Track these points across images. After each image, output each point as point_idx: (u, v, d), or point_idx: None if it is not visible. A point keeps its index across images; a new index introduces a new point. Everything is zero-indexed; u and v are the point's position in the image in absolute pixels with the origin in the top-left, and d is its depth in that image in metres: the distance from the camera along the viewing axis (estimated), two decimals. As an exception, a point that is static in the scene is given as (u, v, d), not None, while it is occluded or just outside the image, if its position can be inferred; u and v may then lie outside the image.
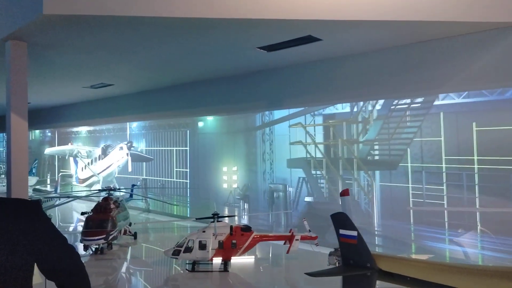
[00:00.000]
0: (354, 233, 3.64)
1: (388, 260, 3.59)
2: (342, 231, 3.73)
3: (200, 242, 6.22)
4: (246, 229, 6.48)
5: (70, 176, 15.21)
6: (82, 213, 7.60)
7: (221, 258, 6.24)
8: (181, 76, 9.18)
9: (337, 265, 4.04)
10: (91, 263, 6.80)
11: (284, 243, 6.59)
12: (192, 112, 10.79)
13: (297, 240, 6.37)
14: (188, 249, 6.16)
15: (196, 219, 6.75)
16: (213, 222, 6.37)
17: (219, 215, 6.47)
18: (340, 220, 3.77)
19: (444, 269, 3.31)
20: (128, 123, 12.89)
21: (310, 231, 6.45)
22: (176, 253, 6.19)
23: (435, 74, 6.16)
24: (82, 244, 6.98)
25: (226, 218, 6.69)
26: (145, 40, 6.13)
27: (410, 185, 7.39)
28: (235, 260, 6.36)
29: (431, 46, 6.15)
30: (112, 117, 12.97)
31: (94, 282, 5.75)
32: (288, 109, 9.01)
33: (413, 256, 5.50)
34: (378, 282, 3.59)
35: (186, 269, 6.18)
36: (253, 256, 6.70)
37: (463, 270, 3.24)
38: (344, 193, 4.28)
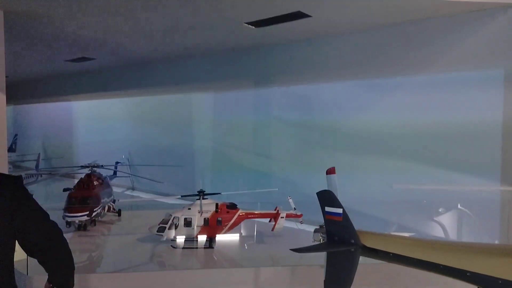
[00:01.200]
0: (340, 210, 3.67)
1: (372, 236, 3.65)
2: (327, 209, 3.76)
3: (185, 219, 6.23)
4: (232, 206, 6.51)
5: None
6: (64, 190, 7.48)
7: (206, 235, 6.29)
8: (165, 50, 8.96)
9: (322, 241, 4.09)
10: (74, 240, 6.73)
11: (270, 221, 6.66)
12: (177, 89, 10.63)
13: (282, 217, 6.44)
14: (173, 226, 6.17)
15: (182, 196, 6.73)
16: (199, 199, 6.37)
17: (204, 193, 6.47)
18: (326, 197, 3.79)
19: (427, 245, 3.37)
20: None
21: (295, 209, 6.51)
22: (160, 230, 6.18)
23: (422, 54, 6.18)
24: (65, 221, 6.90)
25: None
26: (129, 11, 5.92)
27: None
28: (220, 237, 6.40)
29: (419, 26, 6.14)
30: (95, 93, 12.67)
31: (77, 259, 5.61)
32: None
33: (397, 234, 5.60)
34: (361, 258, 3.66)
35: (171, 246, 6.19)
36: (238, 234, 6.75)
37: (445, 246, 3.32)
38: (330, 171, 4.29)
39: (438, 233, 6.48)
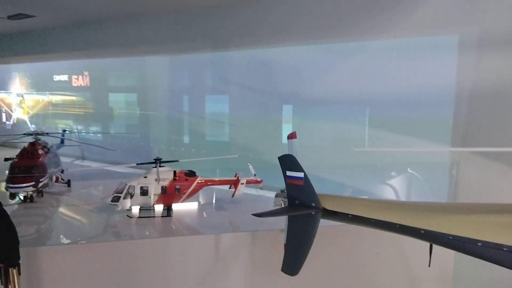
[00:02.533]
0: (301, 174, 3.67)
1: (332, 199, 3.70)
2: (289, 173, 3.74)
3: (141, 188, 6.01)
4: (190, 174, 6.35)
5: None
6: (6, 159, 6.89)
7: (164, 203, 6.13)
8: (114, 8, 8.27)
9: (283, 206, 4.10)
10: (20, 212, 6.29)
11: (230, 188, 6.61)
12: (128, 52, 9.97)
13: (242, 184, 6.40)
14: (129, 195, 5.94)
15: (137, 164, 6.45)
16: (155, 167, 6.14)
17: (161, 160, 6.24)
18: (287, 162, 3.76)
19: (384, 206, 3.47)
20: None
21: (255, 175, 6.49)
22: (115, 199, 5.92)
23: (382, 19, 6.18)
24: (8, 192, 6.41)
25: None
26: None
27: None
28: (179, 206, 6.27)
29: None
30: (35, 55, 11.60)
31: (23, 232, 5.34)
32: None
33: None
34: (322, 220, 3.73)
35: (127, 216, 5.98)
36: (197, 202, 6.65)
37: (401, 206, 3.43)
38: (292, 136, 4.26)
39: (391, 195, 6.80)
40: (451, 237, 3.02)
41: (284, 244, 3.86)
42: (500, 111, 4.98)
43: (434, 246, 3.30)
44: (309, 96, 7.46)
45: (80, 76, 11.23)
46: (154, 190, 6.01)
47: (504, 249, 2.81)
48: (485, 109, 5.06)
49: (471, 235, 2.94)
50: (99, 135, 10.74)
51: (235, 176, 6.49)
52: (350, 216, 3.57)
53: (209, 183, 6.45)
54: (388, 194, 6.84)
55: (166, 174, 6.13)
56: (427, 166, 6.31)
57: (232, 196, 6.41)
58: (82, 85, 11.16)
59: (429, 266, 3.30)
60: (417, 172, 6.61)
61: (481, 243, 2.89)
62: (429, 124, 5.92)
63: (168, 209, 6.14)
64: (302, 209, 3.66)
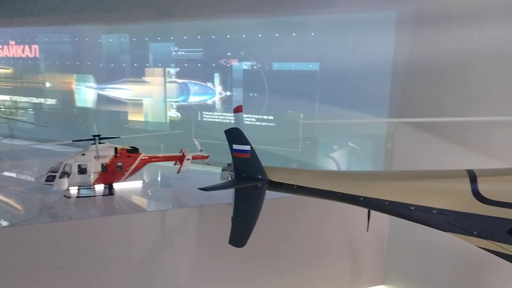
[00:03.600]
0: (247, 147, 3.67)
1: (278, 171, 3.75)
2: (235, 146, 3.72)
3: (79, 166, 5.67)
4: (133, 150, 6.09)
5: None
6: None
7: (105, 182, 5.86)
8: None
9: (229, 179, 4.11)
10: None
11: (175, 164, 6.47)
12: (61, 20, 9.13)
13: (188, 160, 6.30)
14: (65, 174, 5.58)
15: (73, 141, 6.04)
16: (94, 144, 5.81)
17: (101, 137, 5.91)
18: (234, 135, 3.73)
19: (326, 176, 3.60)
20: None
21: (201, 150, 6.41)
22: (50, 179, 5.54)
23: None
24: None
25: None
26: None
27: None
28: (121, 185, 6.03)
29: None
30: None
31: None
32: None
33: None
34: (269, 192, 3.80)
35: (64, 196, 5.64)
36: (141, 181, 6.44)
37: (342, 176, 3.58)
38: (238, 109, 4.22)
39: (334, 167, 7.10)
40: (387, 203, 3.20)
41: (231, 217, 3.87)
42: (434, 85, 5.32)
43: (372, 212, 3.51)
44: (253, 69, 7.43)
45: (5, 46, 10.14)
46: (94, 168, 5.71)
47: (434, 211, 3.05)
48: (420, 83, 5.38)
49: (405, 200, 3.15)
50: (30, 111, 9.87)
51: (180, 152, 6.36)
52: (295, 187, 3.66)
53: (153, 160, 6.26)
54: (331, 166, 7.14)
55: (106, 151, 5.83)
56: (366, 138, 6.66)
57: (178, 172, 6.29)
58: (8, 55, 10.09)
59: (367, 230, 3.50)
60: (357, 144, 6.94)
61: (413, 207, 3.11)
62: (367, 98, 6.20)
63: (109, 188, 5.88)
64: (248, 182, 3.69)
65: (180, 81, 8.26)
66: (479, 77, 5.07)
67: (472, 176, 2.99)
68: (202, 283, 5.13)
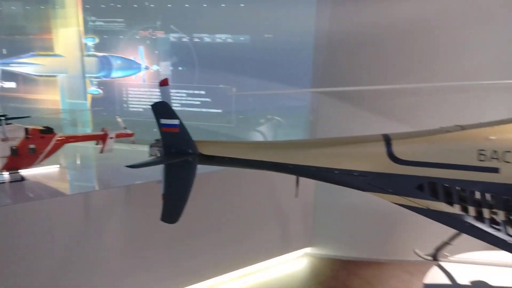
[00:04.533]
0: (176, 121, 3.58)
1: (209, 144, 3.74)
2: (163, 121, 3.61)
3: (-17, 150, 5.05)
4: (47, 131, 5.57)
5: None
6: None
7: (16, 167, 5.30)
8: None
9: (158, 156, 3.98)
10: None
11: (97, 144, 6.08)
12: None
13: (111, 138, 5.95)
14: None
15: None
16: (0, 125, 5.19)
17: (7, 117, 5.29)
18: (161, 109, 3.61)
19: (257, 146, 3.68)
20: None
21: (125, 128, 6.10)
22: None
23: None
24: None
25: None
26: None
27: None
28: (35, 171, 5.51)
29: None
30: None
31: None
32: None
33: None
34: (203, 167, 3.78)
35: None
36: (58, 165, 5.95)
37: (272, 145, 3.68)
38: (163, 82, 4.07)
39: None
40: (313, 169, 3.38)
41: (162, 194, 3.79)
42: (354, 58, 5.63)
43: (300, 178, 3.69)
44: (180, 41, 7.18)
45: None
46: (1, 151, 5.13)
47: (355, 174, 3.30)
48: (340, 55, 5.66)
49: (329, 165, 3.35)
50: None
51: (102, 131, 5.98)
52: (226, 159, 3.68)
53: (71, 140, 5.78)
54: (259, 139, 7.30)
55: (15, 133, 5.25)
56: (291, 111, 6.91)
57: (101, 151, 5.94)
58: None
59: (296, 196, 3.66)
60: (282, 117, 7.16)
61: (337, 171, 3.33)
62: (292, 71, 6.40)
63: (18, 173, 5.33)
64: (179, 157, 3.62)
65: (100, 54, 7.62)
66: (392, 50, 5.51)
67: (387, 140, 3.26)
68: (134, 265, 4.99)
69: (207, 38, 7.13)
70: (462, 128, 3.16)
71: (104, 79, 7.72)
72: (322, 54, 5.74)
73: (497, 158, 2.90)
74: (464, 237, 3.83)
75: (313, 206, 6.27)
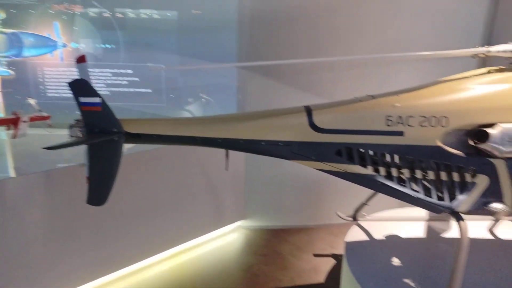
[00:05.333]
0: (97, 99, 3.42)
1: (135, 122, 3.64)
2: (83, 99, 3.42)
3: None
4: None
5: None
6: None
7: None
8: None
9: (80, 136, 3.77)
10: None
11: (8, 129, 5.54)
12: None
13: (24, 122, 5.46)
14: None
15: None
16: None
17: None
18: (80, 87, 3.41)
19: (184, 123, 3.67)
20: None
21: (40, 110, 5.63)
22: None
23: None
24: None
25: None
26: None
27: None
28: None
29: None
30: None
31: None
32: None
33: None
34: (130, 147, 3.67)
35: None
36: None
37: (200, 121, 3.68)
38: (81, 59, 3.83)
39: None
40: (242, 141, 3.48)
41: (87, 177, 3.63)
42: (276, 34, 5.78)
43: (230, 152, 3.78)
44: (106, 18, 6.72)
45: None
46: None
47: (280, 144, 3.46)
48: (264, 32, 5.78)
49: (256, 137, 3.48)
50: None
51: (13, 114, 5.46)
52: (154, 136, 3.63)
53: (-25, 126, 5.23)
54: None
55: None
56: (220, 88, 6.94)
57: (13, 137, 5.43)
58: None
59: (226, 169, 3.76)
60: (212, 94, 7.16)
61: (264, 142, 3.46)
62: (220, 48, 6.39)
63: None
64: (103, 136, 3.48)
65: (8, 31, 6.80)
66: (314, 25, 5.76)
67: (308, 110, 3.47)
68: (58, 254, 4.75)
69: (131, 14, 6.75)
70: (373, 97, 3.46)
71: (15, 58, 6.94)
72: (246, 31, 5.81)
73: (402, 123, 3.24)
74: (380, 197, 4.28)
75: (244, 180, 6.47)
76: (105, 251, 5.13)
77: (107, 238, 5.13)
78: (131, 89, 7.00)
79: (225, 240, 6.29)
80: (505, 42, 3.47)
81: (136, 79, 7.00)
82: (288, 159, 3.56)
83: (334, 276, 5.23)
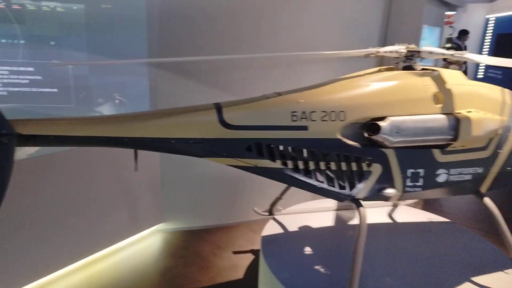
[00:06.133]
0: (-19, 98, 3.05)
1: (28, 123, 3.31)
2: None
3: None
4: None
5: None
6: None
7: None
8: None
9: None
10: None
11: None
12: None
13: None
14: None
15: None
16: None
17: None
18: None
19: (86, 122, 3.42)
20: None
21: None
22: None
23: None
24: None
25: None
26: None
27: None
28: None
29: None
30: None
31: None
32: None
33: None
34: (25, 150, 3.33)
35: None
36: None
37: (105, 120, 3.47)
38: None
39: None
40: (151, 140, 3.37)
41: (-28, 185, 3.21)
42: (188, 32, 5.71)
43: (141, 153, 3.63)
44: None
45: None
46: None
47: (191, 141, 3.43)
48: (175, 29, 5.67)
49: (166, 135, 3.39)
50: None
51: None
52: (51, 137, 3.33)
53: None
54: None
55: None
56: (132, 88, 6.65)
57: None
58: None
59: (135, 170, 3.60)
60: (124, 94, 6.82)
61: (174, 140, 3.40)
62: (130, 45, 6.11)
63: None
64: (-11, 139, 3.10)
65: None
66: (227, 23, 5.82)
67: (218, 108, 3.49)
68: None
69: (30, 6, 6.10)
70: (279, 94, 3.60)
71: None
72: (155, 28, 5.65)
73: (306, 118, 3.41)
74: (295, 191, 4.47)
75: (160, 181, 6.29)
76: (5, 269, 4.60)
77: (8, 255, 4.60)
78: (33, 89, 6.36)
79: (142, 245, 6.05)
80: (393, 44, 3.86)
81: (39, 77, 6.37)
82: (200, 156, 3.54)
83: (253, 271, 5.34)
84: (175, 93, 5.89)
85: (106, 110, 7.14)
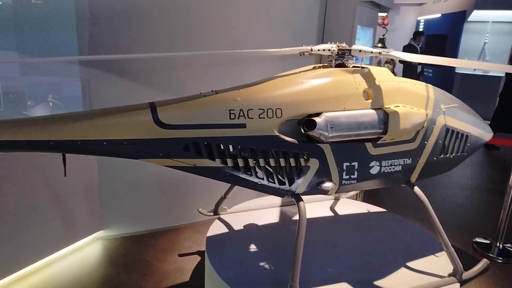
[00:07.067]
0: None
1: None
2: None
3: None
4: None
5: None
6: None
7: None
8: None
9: None
10: None
11: None
12: None
13: None
14: None
15: None
16: None
17: None
18: None
19: (7, 124, 3.13)
20: None
21: None
22: None
23: None
24: None
25: None
26: None
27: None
28: None
29: None
30: None
31: None
32: None
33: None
34: None
35: None
36: None
37: (26, 122, 3.19)
38: None
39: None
40: (79, 143, 3.18)
41: None
42: (119, 30, 5.48)
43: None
44: None
45: None
46: None
47: (124, 143, 3.28)
48: (107, 26, 5.42)
49: (97, 137, 3.21)
50: None
51: None
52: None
53: None
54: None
55: None
56: (63, 90, 6.27)
57: None
58: None
59: (65, 176, 3.39)
60: (57, 95, 6.42)
61: (106, 142, 3.23)
62: (61, 43, 5.74)
63: None
64: None
65: None
66: (164, 20, 5.65)
67: (153, 107, 3.38)
68: None
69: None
70: (216, 92, 3.56)
71: None
72: (86, 26, 5.33)
73: (243, 116, 3.41)
74: (239, 189, 4.45)
75: (98, 187, 5.98)
76: None
77: None
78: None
79: (81, 254, 5.72)
80: (327, 42, 3.98)
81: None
82: (135, 158, 3.41)
83: (199, 273, 5.27)
84: (110, 93, 5.62)
85: (38, 112, 6.63)
